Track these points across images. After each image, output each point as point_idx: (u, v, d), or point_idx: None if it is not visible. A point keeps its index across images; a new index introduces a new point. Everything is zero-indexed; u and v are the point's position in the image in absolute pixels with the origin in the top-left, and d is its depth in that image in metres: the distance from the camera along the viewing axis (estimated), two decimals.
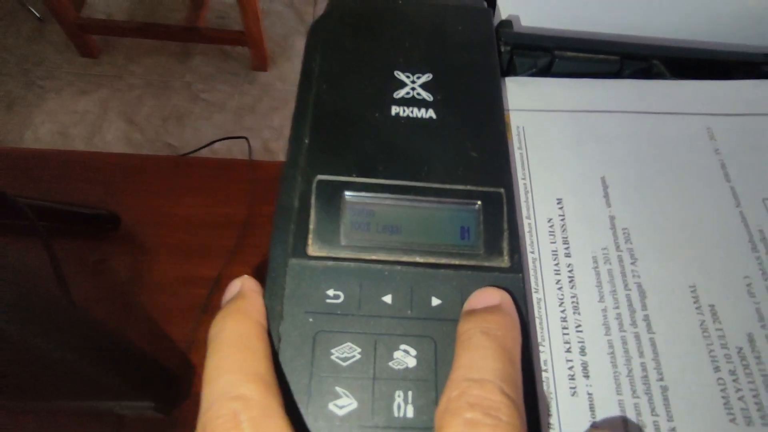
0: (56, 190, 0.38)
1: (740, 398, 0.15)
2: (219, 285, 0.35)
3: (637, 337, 0.16)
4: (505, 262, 0.15)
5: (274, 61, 1.31)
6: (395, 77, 0.19)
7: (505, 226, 0.16)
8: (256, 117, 1.24)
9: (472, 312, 0.13)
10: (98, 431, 0.27)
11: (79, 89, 1.24)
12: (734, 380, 0.15)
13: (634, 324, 0.16)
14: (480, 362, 0.11)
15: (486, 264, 0.15)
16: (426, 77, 0.19)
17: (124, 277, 0.35)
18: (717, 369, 0.15)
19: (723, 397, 0.15)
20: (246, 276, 0.15)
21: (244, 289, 0.14)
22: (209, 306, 0.34)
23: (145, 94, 1.27)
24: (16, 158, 0.40)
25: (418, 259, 0.15)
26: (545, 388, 0.15)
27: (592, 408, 0.14)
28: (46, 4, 1.11)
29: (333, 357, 0.13)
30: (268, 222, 0.42)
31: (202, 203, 0.40)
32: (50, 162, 0.40)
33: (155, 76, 1.30)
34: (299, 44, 1.36)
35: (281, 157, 1.19)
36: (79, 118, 1.20)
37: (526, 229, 0.18)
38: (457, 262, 0.15)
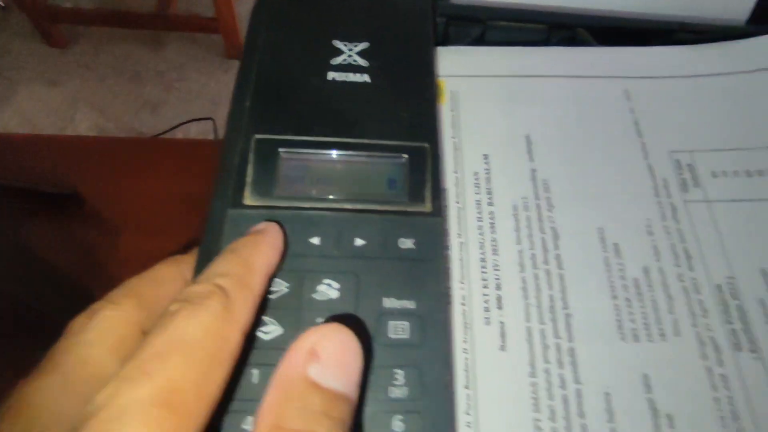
0: (21, 173, 0.38)
1: (632, 320, 0.17)
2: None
3: (548, 273, 0.17)
4: (427, 207, 0.17)
5: None
6: (333, 46, 0.20)
7: (429, 176, 0.17)
8: None
9: None
10: None
11: (47, 80, 1.22)
12: (628, 306, 0.17)
13: (546, 262, 0.18)
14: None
15: (410, 210, 0.16)
16: (363, 45, 0.20)
17: (91, 254, 0.36)
18: (615, 297, 0.17)
19: (617, 320, 0.17)
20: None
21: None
22: None
23: (117, 84, 1.25)
24: None
25: (347, 206, 0.16)
26: (463, 320, 0.16)
27: (502, 334, 0.16)
28: None
29: None
30: None
31: (168, 182, 0.41)
32: (14, 145, 0.41)
33: (127, 66, 1.28)
34: None
35: None
36: (49, 109, 1.18)
37: (454, 181, 0.19)
38: (382, 208, 0.16)
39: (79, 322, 0.14)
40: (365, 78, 0.19)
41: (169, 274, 0.16)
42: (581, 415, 0.15)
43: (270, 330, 0.14)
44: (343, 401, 0.11)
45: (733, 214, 0.19)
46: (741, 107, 0.21)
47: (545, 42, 0.23)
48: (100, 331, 0.14)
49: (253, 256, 0.14)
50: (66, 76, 1.25)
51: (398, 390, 0.14)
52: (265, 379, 0.13)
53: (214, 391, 0.11)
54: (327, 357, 0.11)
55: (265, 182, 0.16)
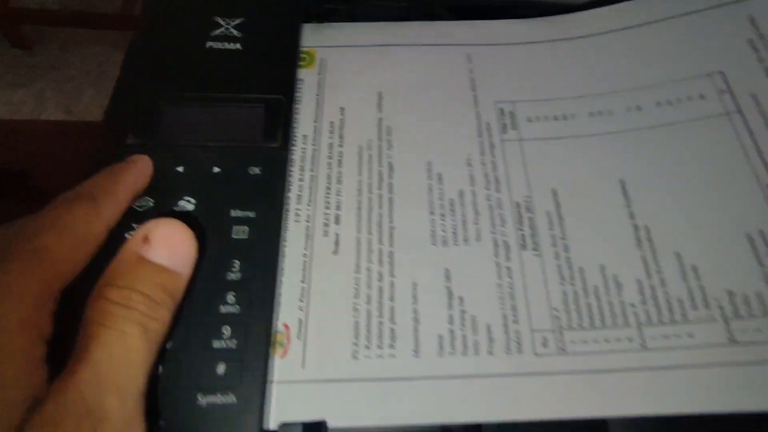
0: None
1: (443, 230, 0.21)
2: None
3: (380, 197, 0.22)
4: (278, 143, 0.21)
5: None
6: (214, 21, 0.24)
7: (281, 120, 0.21)
8: None
9: None
10: None
11: (13, 81, 1.23)
12: (442, 220, 0.21)
13: (380, 188, 0.22)
14: None
15: (261, 145, 0.20)
16: (239, 20, 0.24)
17: None
18: (432, 213, 0.21)
19: (431, 230, 0.21)
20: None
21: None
22: None
23: (84, 84, 1.27)
24: None
25: (210, 144, 0.20)
26: (305, 232, 0.20)
27: (336, 243, 0.20)
28: None
29: (134, 206, 0.18)
30: None
31: None
32: None
33: (93, 66, 1.30)
34: None
35: None
36: (14, 109, 1.20)
37: (312, 129, 0.23)
38: (239, 144, 0.20)
39: None
40: (238, 46, 0.23)
41: None
42: (391, 299, 0.19)
43: (134, 233, 0.18)
44: (167, 273, 0.15)
45: (538, 149, 0.23)
46: (553, 68, 0.25)
47: (406, 17, 0.28)
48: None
49: (122, 175, 0.18)
50: (32, 77, 1.26)
51: (234, 274, 0.17)
52: None
53: (80, 260, 0.15)
54: (156, 240, 0.15)
55: (145, 127, 0.20)
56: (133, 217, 0.18)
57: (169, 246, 0.15)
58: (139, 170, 0.18)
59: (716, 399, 0.17)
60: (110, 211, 0.17)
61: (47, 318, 0.14)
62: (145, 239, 0.15)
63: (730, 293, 0.19)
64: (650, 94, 0.24)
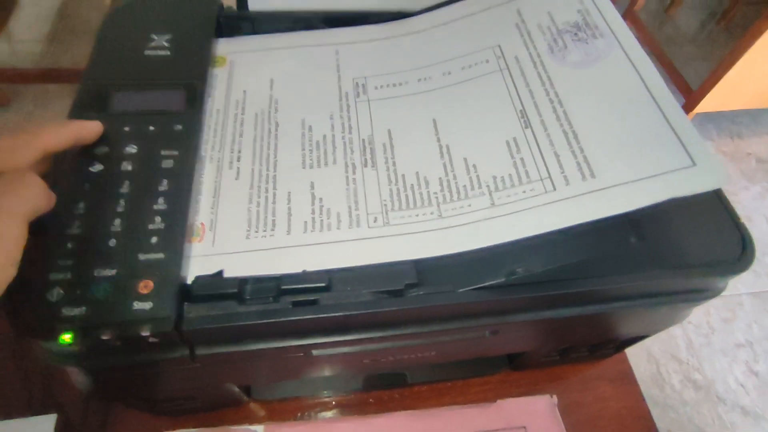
0: None
1: (311, 159, 0.30)
2: None
3: (269, 143, 0.31)
4: (193, 110, 0.30)
5: None
6: (150, 37, 0.34)
7: (196, 96, 0.31)
8: None
9: None
10: None
11: None
12: (310, 153, 0.31)
13: (269, 137, 0.31)
14: None
15: (183, 111, 0.30)
16: (169, 35, 0.34)
17: None
18: (303, 149, 0.31)
19: (302, 160, 0.30)
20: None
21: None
22: None
23: None
24: None
25: (148, 111, 0.30)
26: (216, 167, 0.30)
27: (238, 172, 0.30)
28: None
29: (94, 151, 0.28)
30: None
31: None
32: None
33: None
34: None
35: None
36: None
37: (223, 104, 0.33)
38: (168, 110, 0.30)
39: None
40: (167, 53, 0.33)
41: None
42: (273, 203, 0.29)
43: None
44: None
45: (381, 106, 0.33)
46: (393, 54, 0.36)
47: (292, 28, 0.38)
48: None
49: (69, 124, 0.27)
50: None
51: (163, 187, 0.27)
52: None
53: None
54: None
55: (102, 103, 0.30)
56: (92, 158, 0.27)
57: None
58: (84, 125, 0.28)
59: (483, 239, 0.27)
60: (49, 140, 0.25)
61: None
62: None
63: (494, 177, 0.29)
64: (456, 63, 0.34)
